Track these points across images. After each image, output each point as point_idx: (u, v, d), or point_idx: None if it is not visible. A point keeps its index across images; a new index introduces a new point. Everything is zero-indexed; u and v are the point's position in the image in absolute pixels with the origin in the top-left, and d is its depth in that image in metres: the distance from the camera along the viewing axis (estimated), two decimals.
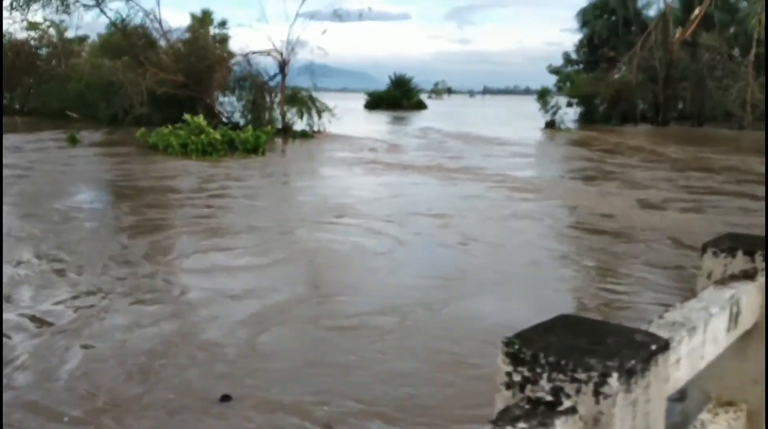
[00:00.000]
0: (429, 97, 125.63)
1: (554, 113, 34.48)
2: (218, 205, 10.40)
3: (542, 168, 16.48)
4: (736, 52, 37.54)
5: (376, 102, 63.29)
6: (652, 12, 43.16)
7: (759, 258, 1.79)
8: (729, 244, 1.85)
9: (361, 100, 66.28)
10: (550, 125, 33.95)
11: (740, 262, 1.82)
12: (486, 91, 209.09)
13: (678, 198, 11.59)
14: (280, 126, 25.83)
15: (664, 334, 1.15)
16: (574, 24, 45.78)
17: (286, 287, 6.01)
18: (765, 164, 14.00)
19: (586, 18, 44.21)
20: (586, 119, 40.33)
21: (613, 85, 38.37)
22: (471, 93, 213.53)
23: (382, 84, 73.32)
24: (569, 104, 40.73)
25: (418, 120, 43.59)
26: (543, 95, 35.51)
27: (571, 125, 36.23)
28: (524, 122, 38.55)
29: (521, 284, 6.38)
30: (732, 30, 38.87)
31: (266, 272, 6.55)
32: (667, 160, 18.25)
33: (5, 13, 26.45)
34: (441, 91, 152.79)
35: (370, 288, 6.02)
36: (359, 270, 6.75)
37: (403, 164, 16.01)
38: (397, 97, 63.05)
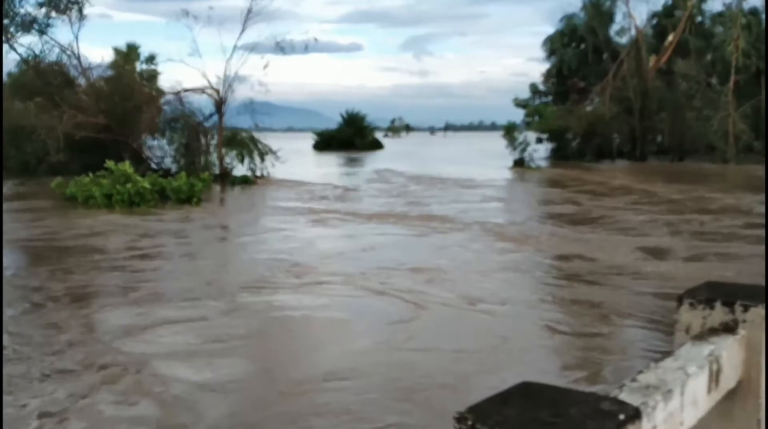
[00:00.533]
0: (385, 136, 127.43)
1: (523, 150, 35.17)
2: (156, 267, 10.05)
3: (519, 213, 16.58)
4: (714, 80, 39.07)
5: (326, 142, 63.73)
6: (624, 39, 44.80)
7: (739, 308, 1.86)
8: (706, 294, 1.92)
9: (309, 140, 66.59)
10: (519, 163, 34.59)
11: (719, 313, 1.88)
12: (448, 128, 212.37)
13: (683, 245, 11.50)
14: (217, 171, 25.75)
15: (636, 399, 1.18)
16: (541, 53, 47.28)
17: (267, 373, 5.65)
18: (765, 194, 14.27)
19: (553, 46, 45.56)
20: (558, 156, 41.23)
21: (585, 118, 39.40)
22: (432, 130, 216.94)
23: (332, 122, 73.94)
24: (539, 140, 41.60)
25: (375, 161, 43.83)
26: (510, 131, 36.20)
27: (542, 163, 36.96)
28: (491, 161, 39.11)
29: (545, 353, 6.20)
30: (709, 57, 40.52)
31: (238, 353, 6.11)
32: (659, 201, 18.45)
33: None
34: (398, 128, 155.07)
35: (368, 368, 5.63)
36: (350, 344, 6.34)
37: (363, 213, 15.90)
38: (350, 136, 63.63)
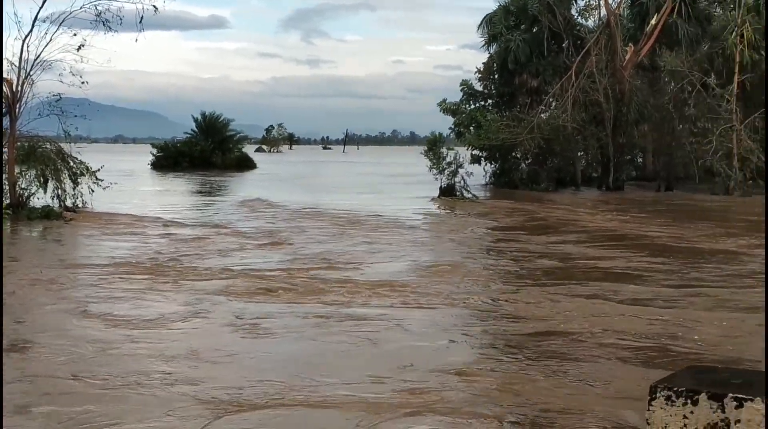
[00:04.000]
0: (259, 150, 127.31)
1: (453, 174, 35.57)
2: None
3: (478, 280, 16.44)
4: (712, 80, 40.74)
5: (171, 158, 62.88)
6: (591, 22, 46.18)
7: (731, 403, 1.92)
8: (688, 383, 1.97)
9: (148, 155, 65.69)
10: (448, 192, 34.87)
11: (705, 411, 1.93)
12: (350, 140, 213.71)
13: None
14: (8, 200, 25.04)
15: None
16: (479, 38, 47.96)
17: None
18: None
19: (495, 29, 45.89)
20: (503, 182, 41.71)
21: (540, 131, 40.18)
22: (326, 142, 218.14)
23: (181, 129, 73.29)
24: (476, 159, 42.19)
25: (242, 186, 43.43)
26: (434, 146, 36.47)
27: (480, 192, 37.52)
28: (409, 188, 39.44)
29: None
30: (705, 48, 42.28)
31: None
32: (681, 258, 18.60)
33: None
34: (278, 140, 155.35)
35: None
36: None
37: (227, 272, 15.44)
38: (207, 150, 63.06)
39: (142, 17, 27.10)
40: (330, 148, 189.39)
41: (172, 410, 7.61)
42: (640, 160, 48.27)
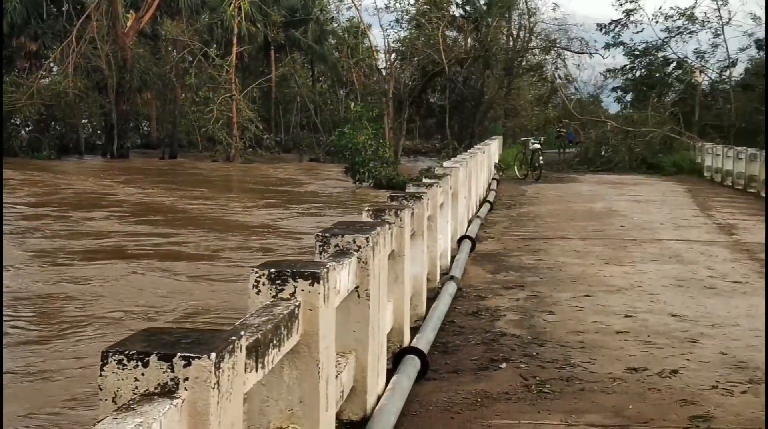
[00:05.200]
0: None
1: None
2: None
3: None
4: (214, 50, 41.87)
5: None
6: None
7: (180, 363, 1.95)
8: (139, 345, 1.98)
9: None
10: None
11: (156, 372, 1.95)
12: None
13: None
14: None
15: None
16: None
17: None
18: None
19: None
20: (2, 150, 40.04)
21: (40, 97, 38.76)
22: None
23: None
24: None
25: None
26: None
27: None
28: None
29: None
30: (205, 18, 43.23)
31: None
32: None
33: None
34: None
35: None
36: None
37: None
38: None
39: None
40: None
41: None
42: (145, 128, 48.42)
